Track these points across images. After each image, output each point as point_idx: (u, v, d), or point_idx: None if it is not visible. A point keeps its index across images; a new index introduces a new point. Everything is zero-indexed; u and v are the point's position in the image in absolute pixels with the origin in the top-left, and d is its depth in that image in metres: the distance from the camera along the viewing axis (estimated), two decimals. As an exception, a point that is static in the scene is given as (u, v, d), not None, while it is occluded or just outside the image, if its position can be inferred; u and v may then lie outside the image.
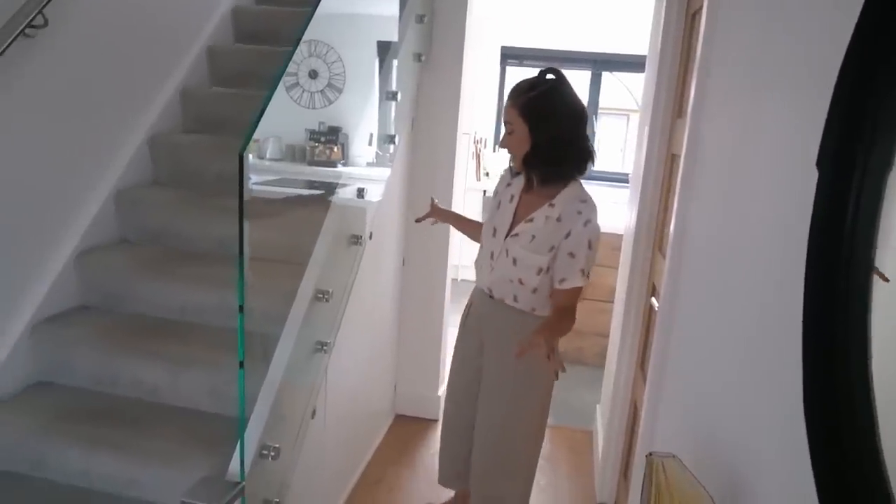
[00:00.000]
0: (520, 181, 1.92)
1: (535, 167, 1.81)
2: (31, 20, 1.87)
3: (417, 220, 2.34)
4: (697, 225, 1.62)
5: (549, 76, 1.78)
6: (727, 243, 1.29)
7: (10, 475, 1.93)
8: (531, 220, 1.82)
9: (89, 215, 2.35)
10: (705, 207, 1.55)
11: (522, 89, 1.78)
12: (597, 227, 1.80)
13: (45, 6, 1.90)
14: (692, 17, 2.14)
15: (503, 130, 1.87)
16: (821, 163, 0.64)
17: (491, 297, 1.94)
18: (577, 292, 1.81)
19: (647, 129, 2.45)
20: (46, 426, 1.93)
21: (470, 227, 2.29)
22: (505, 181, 1.99)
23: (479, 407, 2.03)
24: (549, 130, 1.75)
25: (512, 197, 1.91)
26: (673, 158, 2.23)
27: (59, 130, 2.18)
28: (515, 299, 1.87)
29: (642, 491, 1.03)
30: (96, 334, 2.14)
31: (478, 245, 2.07)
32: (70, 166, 2.27)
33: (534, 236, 1.80)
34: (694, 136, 1.70)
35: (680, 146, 1.91)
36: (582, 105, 1.81)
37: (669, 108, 2.32)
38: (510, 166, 1.95)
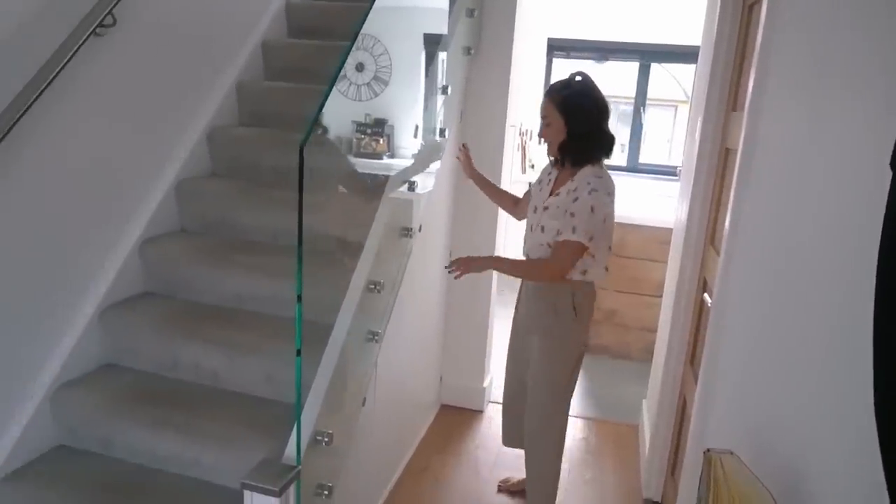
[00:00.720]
0: (555, 169, 2.28)
1: (569, 153, 2.15)
2: (102, 20, 1.95)
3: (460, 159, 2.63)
4: (754, 220, 1.60)
5: (578, 78, 2.16)
6: (788, 239, 1.27)
7: (83, 453, 2.04)
8: (557, 195, 2.18)
9: (152, 206, 2.45)
10: (763, 203, 1.53)
11: (557, 88, 2.15)
12: (603, 199, 2.08)
13: (114, 6, 1.98)
14: (749, 9, 2.10)
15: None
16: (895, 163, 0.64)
17: None
18: (566, 247, 2.08)
19: (699, 121, 2.41)
20: (114, 407, 2.04)
21: (495, 194, 2.66)
22: (547, 171, 2.34)
23: (530, 375, 2.33)
24: (580, 123, 2.11)
25: (550, 180, 2.27)
26: (727, 152, 2.20)
27: (125, 125, 2.28)
28: None
29: (699, 488, 1.04)
30: (159, 320, 2.24)
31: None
32: (136, 159, 2.37)
33: (558, 206, 2.15)
34: (752, 130, 1.67)
35: (735, 140, 1.88)
36: (606, 101, 2.17)
37: (724, 100, 2.28)
38: (551, 158, 2.30)
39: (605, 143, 2.17)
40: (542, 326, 2.26)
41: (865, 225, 0.78)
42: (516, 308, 2.46)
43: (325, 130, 2.73)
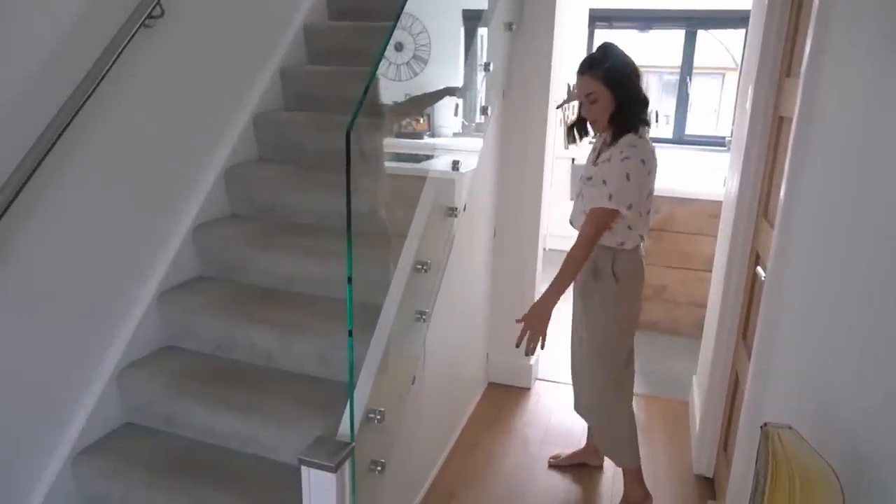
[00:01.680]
0: (600, 141, 2.28)
1: (619, 123, 2.13)
2: (151, 11, 2.00)
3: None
4: (811, 192, 1.55)
5: (604, 47, 2.16)
6: (848, 212, 1.23)
7: (148, 430, 2.14)
8: (597, 165, 2.19)
9: (204, 191, 2.52)
10: (821, 175, 1.48)
11: (596, 62, 2.12)
12: (636, 164, 2.07)
13: (162, -3, 2.02)
14: (805, -32, 2.01)
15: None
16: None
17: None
18: (593, 215, 2.10)
19: (750, 89, 2.33)
20: (175, 386, 2.12)
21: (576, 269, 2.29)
22: (595, 148, 2.32)
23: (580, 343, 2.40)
24: (626, 90, 2.11)
25: (598, 154, 2.26)
26: (781, 121, 2.12)
27: (175, 114, 2.34)
28: None
29: (757, 462, 1.03)
30: (214, 303, 2.31)
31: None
32: (186, 146, 2.44)
33: (597, 175, 2.16)
34: (808, 97, 1.61)
35: (790, 108, 1.81)
36: (633, 62, 2.16)
37: (777, 66, 2.20)
38: (570, 142, 2.34)
39: (644, 107, 2.18)
40: (585, 290, 2.31)
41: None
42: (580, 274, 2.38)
43: (380, 113, 2.75)
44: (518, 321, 2.12)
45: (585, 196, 2.20)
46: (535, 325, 2.10)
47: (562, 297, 2.14)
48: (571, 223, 2.31)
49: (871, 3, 1.25)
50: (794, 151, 1.67)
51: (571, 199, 2.44)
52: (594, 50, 2.19)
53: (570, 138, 2.36)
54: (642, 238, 2.24)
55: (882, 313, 0.99)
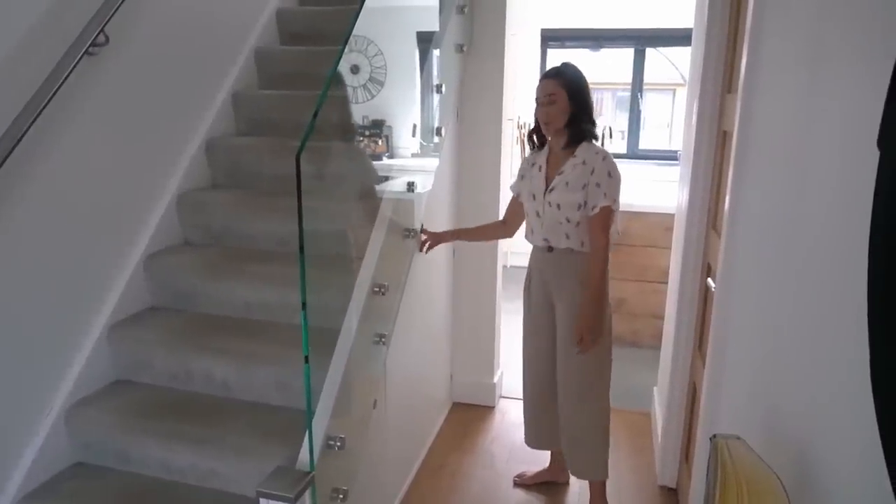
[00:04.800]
0: (542, 155, 2.35)
1: (575, 129, 2.24)
2: (94, 39, 1.96)
3: (424, 251, 2.56)
4: (753, 203, 1.60)
5: (566, 64, 2.31)
6: (787, 221, 1.27)
7: (100, 469, 2.06)
8: (561, 173, 2.26)
9: (155, 219, 2.47)
10: (761, 185, 1.53)
11: (557, 70, 2.28)
12: (613, 163, 2.23)
13: (105, 25, 1.99)
14: (740, -11, 2.09)
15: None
16: (882, 142, 0.64)
17: (549, 249, 2.33)
18: (606, 214, 2.21)
19: (695, 105, 2.41)
20: (128, 421, 2.05)
21: (475, 234, 2.78)
22: (529, 161, 2.41)
23: (559, 356, 2.37)
24: (582, 99, 2.24)
25: (540, 167, 2.33)
26: (725, 135, 2.19)
27: (123, 141, 2.29)
28: (567, 237, 2.27)
29: (707, 473, 1.04)
30: (167, 334, 2.26)
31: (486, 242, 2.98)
32: (135, 174, 2.39)
33: (567, 182, 2.24)
34: (746, 112, 1.67)
35: (731, 123, 1.87)
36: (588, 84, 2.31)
37: (719, 83, 2.27)
38: (531, 148, 2.42)
39: (593, 123, 2.31)
40: (570, 299, 2.30)
41: (863, 204, 0.78)
42: (530, 295, 2.45)
43: (338, 135, 2.73)
44: (581, 352, 2.27)
45: (564, 203, 2.23)
46: (589, 335, 2.25)
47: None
48: (549, 247, 2.31)
49: (798, 20, 1.31)
50: (735, 165, 1.72)
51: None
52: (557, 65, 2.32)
53: (531, 145, 2.42)
54: (618, 232, 2.35)
55: (825, 323, 1.02)
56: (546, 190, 2.28)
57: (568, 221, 2.25)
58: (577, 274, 2.28)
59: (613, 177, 2.21)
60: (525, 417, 2.63)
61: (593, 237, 2.23)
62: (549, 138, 2.32)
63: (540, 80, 2.29)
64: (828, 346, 0.98)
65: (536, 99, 2.27)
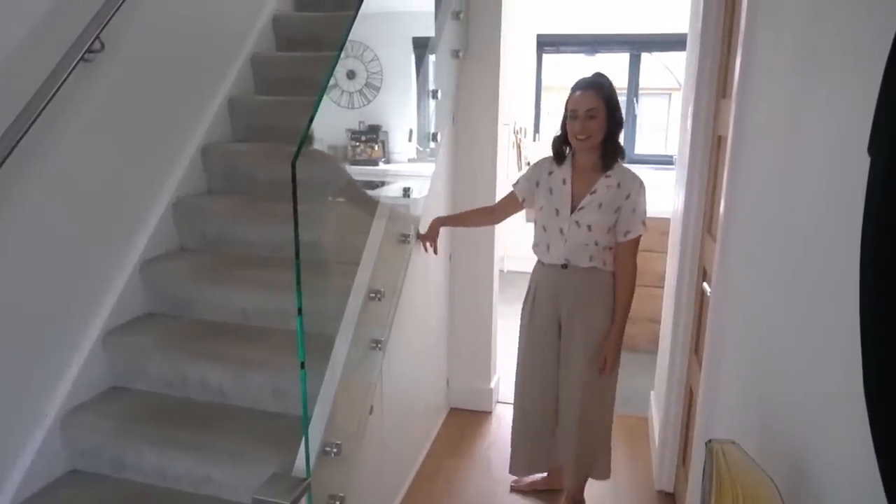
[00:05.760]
0: (565, 168, 2.27)
1: (612, 149, 2.20)
2: (90, 46, 1.96)
3: (433, 251, 2.59)
4: (748, 207, 1.60)
5: (601, 75, 2.23)
6: (781, 225, 1.28)
7: (95, 476, 2.05)
8: (594, 192, 2.21)
9: (150, 226, 2.47)
10: (755, 190, 1.53)
11: (599, 82, 2.18)
12: (645, 189, 2.25)
13: (101, 31, 1.99)
14: (734, -5, 2.10)
15: (540, 117, 2.29)
16: (872, 148, 0.64)
17: (565, 266, 2.28)
18: (638, 241, 2.25)
19: (690, 110, 2.41)
20: (124, 428, 2.05)
21: (463, 220, 2.76)
22: (545, 170, 2.31)
23: (570, 368, 2.34)
24: (619, 115, 2.20)
25: (564, 181, 2.26)
26: (720, 140, 2.20)
27: (119, 148, 2.29)
28: (591, 259, 2.24)
29: (703, 478, 1.04)
30: (163, 340, 2.25)
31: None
32: (131, 180, 2.38)
33: (601, 204, 2.20)
34: (740, 117, 1.68)
35: (726, 127, 1.88)
36: None
37: (713, 88, 2.28)
38: (553, 156, 2.30)
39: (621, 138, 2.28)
40: (586, 313, 2.28)
41: (856, 209, 0.79)
42: (535, 312, 2.37)
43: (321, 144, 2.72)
44: (603, 373, 2.30)
45: (595, 224, 2.19)
46: (613, 354, 2.29)
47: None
48: (566, 265, 2.26)
49: (791, 26, 1.31)
50: (730, 169, 1.73)
51: (529, 222, 2.46)
52: (591, 74, 2.23)
53: (556, 158, 2.31)
54: None
55: (814, 323, 1.02)
56: (574, 208, 2.22)
57: (596, 244, 2.22)
58: (597, 292, 2.26)
59: (646, 204, 2.25)
60: (515, 440, 2.55)
61: (624, 262, 2.23)
62: (577, 152, 2.23)
63: (575, 91, 2.18)
64: (822, 349, 0.99)
65: (573, 112, 2.15)
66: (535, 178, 2.34)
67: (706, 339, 1.90)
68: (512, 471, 2.61)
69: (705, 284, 2.15)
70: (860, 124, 0.80)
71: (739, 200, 1.68)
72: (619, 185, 2.19)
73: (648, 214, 2.28)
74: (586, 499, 2.56)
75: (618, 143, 2.22)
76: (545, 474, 2.70)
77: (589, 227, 2.20)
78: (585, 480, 2.51)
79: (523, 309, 2.44)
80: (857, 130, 0.83)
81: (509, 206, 2.48)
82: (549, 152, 2.33)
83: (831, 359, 0.93)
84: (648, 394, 3.29)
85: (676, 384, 2.54)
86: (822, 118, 1.08)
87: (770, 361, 1.27)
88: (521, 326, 2.45)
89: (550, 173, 2.29)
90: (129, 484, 2.02)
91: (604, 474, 2.50)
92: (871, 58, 0.87)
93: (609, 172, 2.20)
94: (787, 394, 1.14)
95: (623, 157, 2.25)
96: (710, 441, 1.02)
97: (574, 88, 2.20)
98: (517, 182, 2.43)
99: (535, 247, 2.35)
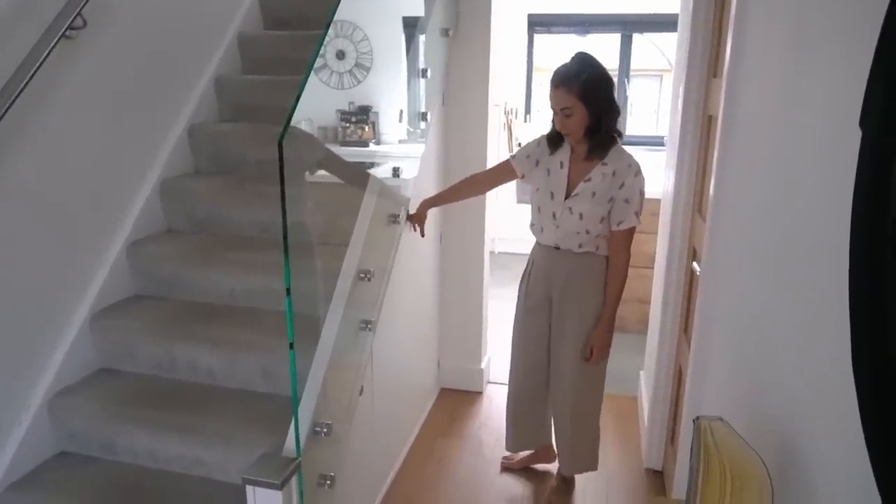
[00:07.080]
0: (564, 151, 2.22)
1: (596, 139, 2.13)
2: (71, 22, 1.92)
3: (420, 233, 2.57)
4: (737, 187, 1.60)
5: (579, 58, 2.11)
6: (770, 205, 1.28)
7: (85, 458, 2.05)
8: (589, 180, 2.17)
9: (137, 207, 2.44)
10: (745, 170, 1.53)
11: (572, 75, 2.07)
12: (643, 179, 2.19)
13: (82, 7, 1.95)
14: (726, -27, 2.08)
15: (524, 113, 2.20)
16: (864, 122, 0.64)
17: (557, 248, 2.27)
18: (632, 231, 2.21)
19: (681, 90, 2.40)
20: (113, 411, 2.04)
21: (451, 196, 2.64)
22: (544, 150, 2.27)
23: (559, 349, 2.34)
24: (600, 104, 2.09)
25: (561, 164, 2.22)
26: (710, 120, 2.19)
27: (103, 128, 2.25)
28: (580, 246, 2.23)
29: (691, 455, 1.05)
30: (151, 322, 2.24)
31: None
32: (116, 161, 2.35)
33: (594, 192, 2.16)
34: (731, 96, 1.67)
35: (717, 107, 1.87)
36: (608, 72, 2.14)
37: (704, 68, 2.27)
38: (547, 137, 2.26)
39: (616, 116, 2.17)
40: (579, 298, 2.27)
41: (847, 186, 0.78)
42: (530, 288, 2.39)
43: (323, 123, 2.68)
44: (589, 360, 2.29)
45: (587, 214, 2.16)
46: (601, 348, 2.27)
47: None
48: (557, 245, 2.25)
49: (783, 4, 1.30)
50: (720, 149, 1.72)
51: (520, 203, 2.45)
52: (568, 60, 2.13)
53: (551, 147, 2.26)
54: None
55: (808, 305, 1.03)
56: (568, 194, 2.19)
57: (588, 233, 2.19)
58: (589, 276, 2.25)
59: (643, 194, 2.18)
60: (509, 418, 2.59)
61: (617, 252, 2.20)
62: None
63: (551, 85, 2.12)
64: (811, 328, 0.99)
65: (552, 107, 2.13)
66: (536, 157, 2.30)
67: (695, 318, 1.90)
68: (507, 447, 2.64)
69: (695, 264, 2.16)
70: (851, 101, 0.80)
71: (729, 181, 1.68)
72: (613, 174, 2.14)
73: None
74: (576, 478, 2.59)
75: (609, 130, 2.13)
76: (534, 450, 2.73)
77: (581, 216, 2.17)
78: (578, 471, 2.53)
79: (520, 287, 2.46)
80: (848, 107, 0.83)
81: (501, 175, 2.43)
82: (541, 133, 2.31)
83: (820, 337, 0.93)
84: (638, 374, 3.31)
85: (666, 363, 2.56)
86: (812, 97, 1.07)
87: (759, 340, 1.28)
88: (517, 304, 2.47)
89: (552, 153, 2.25)
90: (120, 466, 2.01)
91: (592, 466, 2.51)
92: (862, 38, 0.86)
93: (605, 160, 2.15)
94: (777, 373, 1.15)
95: (621, 138, 2.19)
96: (697, 418, 1.03)
97: (550, 82, 2.13)
98: (515, 155, 2.38)
99: (532, 226, 2.37)
